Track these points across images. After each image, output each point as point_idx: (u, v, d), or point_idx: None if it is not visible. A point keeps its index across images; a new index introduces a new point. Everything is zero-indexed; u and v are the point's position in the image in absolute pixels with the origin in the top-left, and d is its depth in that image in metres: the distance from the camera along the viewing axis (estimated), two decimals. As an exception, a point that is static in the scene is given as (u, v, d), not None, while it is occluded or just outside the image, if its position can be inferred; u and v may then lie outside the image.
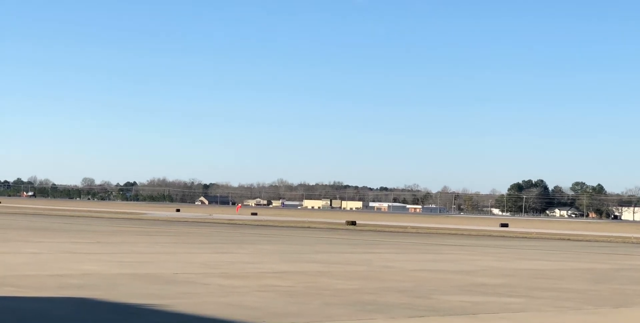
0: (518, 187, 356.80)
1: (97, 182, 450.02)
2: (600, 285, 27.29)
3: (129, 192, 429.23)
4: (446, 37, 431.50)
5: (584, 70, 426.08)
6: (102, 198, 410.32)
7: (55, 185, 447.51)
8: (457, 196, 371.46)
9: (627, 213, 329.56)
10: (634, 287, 27.35)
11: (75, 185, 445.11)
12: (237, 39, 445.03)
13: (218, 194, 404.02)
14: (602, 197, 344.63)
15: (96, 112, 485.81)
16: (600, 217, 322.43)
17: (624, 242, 71.99)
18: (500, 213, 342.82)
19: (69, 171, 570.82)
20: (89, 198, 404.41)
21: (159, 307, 18.05)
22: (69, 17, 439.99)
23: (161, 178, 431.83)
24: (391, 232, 79.16)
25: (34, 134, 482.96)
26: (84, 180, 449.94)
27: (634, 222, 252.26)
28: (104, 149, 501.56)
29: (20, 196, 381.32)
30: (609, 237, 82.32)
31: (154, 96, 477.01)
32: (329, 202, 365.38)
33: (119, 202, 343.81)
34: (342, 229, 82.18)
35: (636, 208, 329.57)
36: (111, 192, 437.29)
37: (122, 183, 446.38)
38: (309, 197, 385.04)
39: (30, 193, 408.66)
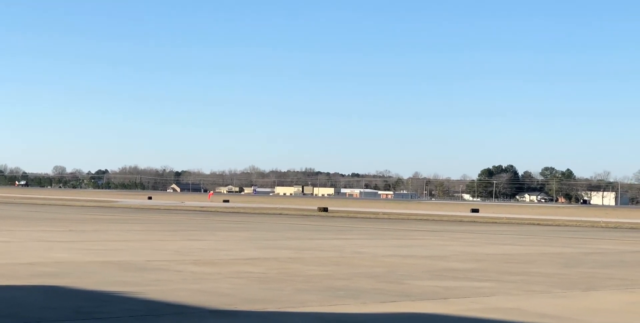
0: (488, 173, 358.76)
1: (69, 170, 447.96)
2: (569, 269, 27.59)
3: (100, 180, 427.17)
4: (418, 20, 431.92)
5: (552, 54, 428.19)
6: (74, 187, 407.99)
7: (26, 173, 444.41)
8: (428, 182, 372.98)
9: (596, 198, 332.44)
10: (602, 270, 27.67)
11: (46, 174, 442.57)
12: (198, 24, 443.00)
13: (190, 181, 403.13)
14: (572, 182, 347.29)
15: (66, 99, 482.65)
16: (570, 202, 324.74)
17: (593, 226, 72.68)
18: (471, 198, 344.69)
19: (40, 159, 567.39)
20: (60, 187, 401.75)
21: (132, 294, 18.08)
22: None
23: (133, 166, 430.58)
24: (363, 218, 79.42)
25: (3, 122, 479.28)
26: (55, 168, 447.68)
27: (602, 206, 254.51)
28: (75, 136, 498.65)
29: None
30: (578, 221, 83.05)
31: (124, 83, 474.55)
32: (300, 189, 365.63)
33: (90, 190, 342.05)
34: (314, 215, 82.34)
35: (605, 193, 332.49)
36: (82, 180, 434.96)
37: (93, 171, 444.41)
38: (281, 184, 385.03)
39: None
